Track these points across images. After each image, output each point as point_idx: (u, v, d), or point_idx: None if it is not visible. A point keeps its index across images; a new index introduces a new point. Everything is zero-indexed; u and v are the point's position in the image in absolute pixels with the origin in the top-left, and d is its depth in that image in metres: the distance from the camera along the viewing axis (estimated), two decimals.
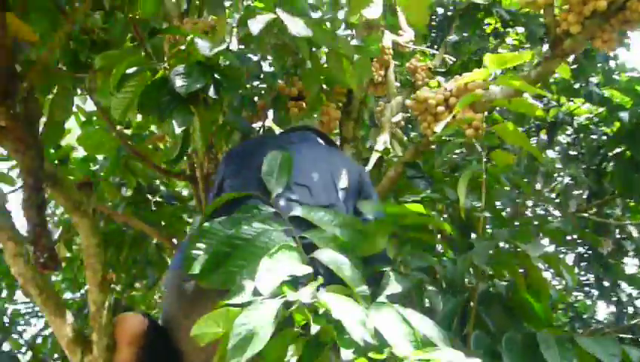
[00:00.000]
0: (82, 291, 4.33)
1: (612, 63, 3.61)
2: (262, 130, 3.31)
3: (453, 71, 3.78)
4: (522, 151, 3.61)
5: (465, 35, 3.84)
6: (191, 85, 1.66)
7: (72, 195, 1.42)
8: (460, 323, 1.98)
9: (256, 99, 2.95)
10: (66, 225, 3.56)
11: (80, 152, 3.72)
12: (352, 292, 1.43)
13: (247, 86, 2.89)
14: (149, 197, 3.82)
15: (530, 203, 4.85)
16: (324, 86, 3.01)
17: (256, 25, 1.70)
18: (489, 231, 2.39)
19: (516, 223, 2.35)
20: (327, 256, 1.52)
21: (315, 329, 1.24)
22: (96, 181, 3.40)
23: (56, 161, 3.63)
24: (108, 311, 1.48)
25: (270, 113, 2.97)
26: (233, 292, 1.40)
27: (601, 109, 3.55)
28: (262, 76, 2.88)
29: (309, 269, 1.46)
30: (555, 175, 3.86)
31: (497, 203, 2.54)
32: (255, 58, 2.68)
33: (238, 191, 1.80)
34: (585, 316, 5.97)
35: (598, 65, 3.66)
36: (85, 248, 1.48)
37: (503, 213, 3.03)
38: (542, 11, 2.05)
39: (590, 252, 4.68)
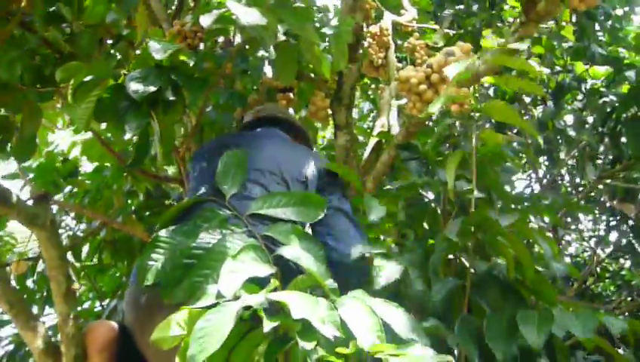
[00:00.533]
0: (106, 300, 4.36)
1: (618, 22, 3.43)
2: None
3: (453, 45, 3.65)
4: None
5: (461, 7, 3.70)
6: (145, 89, 1.63)
7: (25, 209, 1.41)
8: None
9: None
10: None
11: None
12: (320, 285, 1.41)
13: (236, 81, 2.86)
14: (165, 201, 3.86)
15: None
16: (312, 75, 2.96)
17: (207, 19, 1.66)
18: None
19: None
20: (291, 252, 1.50)
21: (269, 326, 1.20)
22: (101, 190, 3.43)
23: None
24: (74, 322, 1.48)
25: None
26: (197, 297, 1.38)
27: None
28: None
29: (272, 269, 1.44)
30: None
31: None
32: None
33: (197, 193, 1.78)
34: (633, 282, 5.79)
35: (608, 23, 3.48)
36: (47, 261, 1.48)
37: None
38: None
39: (618, 218, 4.49)
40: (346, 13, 2.88)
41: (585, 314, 1.49)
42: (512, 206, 2.37)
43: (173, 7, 3.40)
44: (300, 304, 1.23)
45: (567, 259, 6.22)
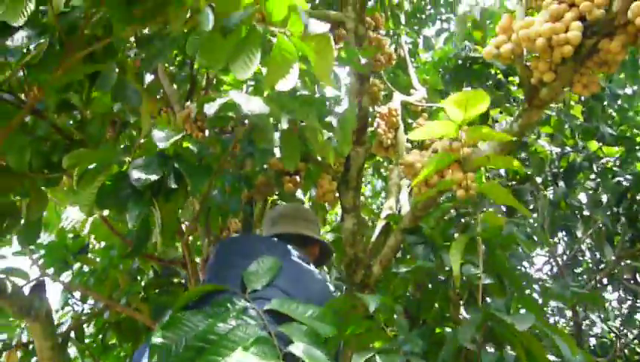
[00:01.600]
0: None
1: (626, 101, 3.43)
2: (266, 205, 3.28)
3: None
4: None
5: (469, 88, 3.75)
6: (147, 177, 1.64)
7: (20, 301, 1.39)
8: None
9: None
10: None
11: None
12: None
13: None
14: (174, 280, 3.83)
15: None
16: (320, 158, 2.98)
17: (211, 108, 1.69)
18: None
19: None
20: (303, 349, 1.47)
21: None
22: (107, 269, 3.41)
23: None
24: None
25: None
26: None
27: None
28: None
29: None
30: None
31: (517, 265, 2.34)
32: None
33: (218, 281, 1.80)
34: None
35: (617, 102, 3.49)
36: (38, 351, 1.44)
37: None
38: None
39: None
40: (354, 97, 2.93)
41: None
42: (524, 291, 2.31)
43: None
44: None
45: (592, 340, 5.98)
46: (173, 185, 1.68)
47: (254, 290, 1.80)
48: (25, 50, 1.65)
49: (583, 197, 4.15)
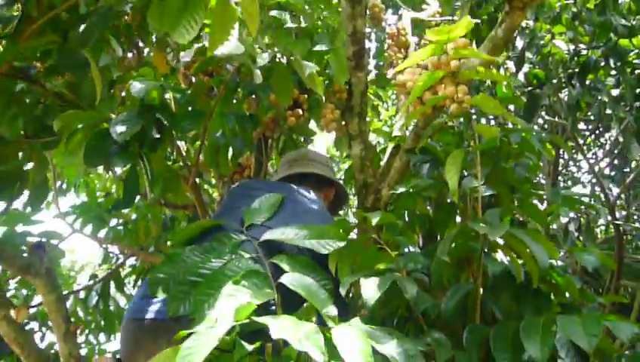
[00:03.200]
0: None
1: None
2: (279, 141, 3.30)
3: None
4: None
5: None
6: (129, 131, 1.68)
7: (18, 260, 1.48)
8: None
9: None
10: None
11: None
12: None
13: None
14: None
15: None
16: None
17: (186, 55, 1.69)
18: None
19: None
20: (293, 279, 1.52)
21: (241, 351, 1.22)
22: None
23: None
24: (75, 360, 1.54)
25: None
26: (197, 320, 1.43)
27: None
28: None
29: (272, 294, 1.47)
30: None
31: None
32: None
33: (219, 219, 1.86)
34: None
35: None
36: (45, 305, 1.55)
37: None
38: None
39: None
40: (348, 21, 2.85)
41: (588, 320, 1.39)
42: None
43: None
44: (279, 325, 1.24)
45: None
46: (156, 135, 1.71)
47: (251, 226, 1.84)
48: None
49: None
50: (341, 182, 2.87)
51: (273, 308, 1.55)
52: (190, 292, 1.48)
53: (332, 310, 1.46)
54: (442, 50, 1.88)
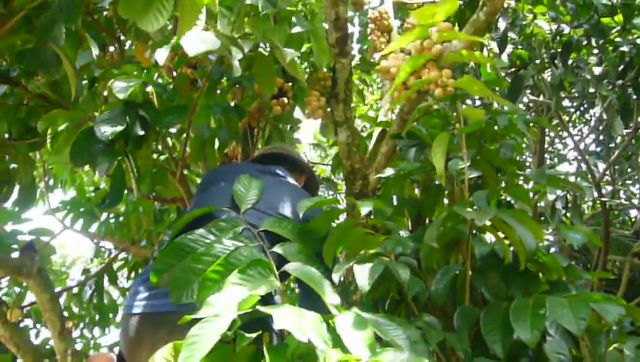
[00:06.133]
0: None
1: None
2: (265, 130, 3.30)
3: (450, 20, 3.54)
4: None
5: None
6: (113, 130, 1.68)
7: (9, 262, 1.49)
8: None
9: None
10: None
11: None
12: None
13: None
14: None
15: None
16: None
17: (161, 53, 1.69)
18: None
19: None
20: (296, 268, 1.53)
21: (244, 341, 1.24)
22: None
23: None
24: (72, 357, 1.55)
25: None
26: (201, 307, 1.43)
27: None
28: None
29: (276, 284, 1.47)
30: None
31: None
32: None
33: (206, 205, 1.86)
34: None
35: None
36: (40, 304, 1.55)
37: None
38: None
39: None
40: (330, 8, 2.84)
41: (576, 302, 1.42)
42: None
43: None
44: (283, 315, 1.25)
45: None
46: (140, 132, 1.71)
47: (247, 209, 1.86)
48: None
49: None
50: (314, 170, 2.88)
51: (276, 296, 1.58)
52: (193, 279, 1.49)
53: (335, 298, 1.47)
54: (426, 35, 1.88)
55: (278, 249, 1.68)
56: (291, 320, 1.23)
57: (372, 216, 2.07)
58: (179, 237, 1.61)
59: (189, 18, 1.45)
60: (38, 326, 3.94)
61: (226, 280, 1.45)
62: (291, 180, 2.21)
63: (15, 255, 2.09)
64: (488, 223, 1.79)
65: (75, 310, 3.94)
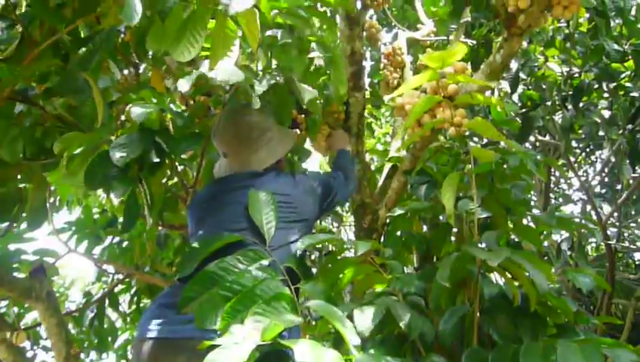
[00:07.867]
0: None
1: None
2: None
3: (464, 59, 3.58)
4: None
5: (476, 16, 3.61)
6: (129, 155, 1.69)
7: (18, 285, 1.48)
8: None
9: None
10: None
11: None
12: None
13: None
14: None
15: None
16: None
17: (185, 84, 1.71)
18: None
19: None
20: (320, 306, 1.52)
21: None
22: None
23: None
24: None
25: None
26: (223, 334, 1.43)
27: None
28: None
29: (298, 319, 1.49)
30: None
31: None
32: None
33: (209, 237, 1.85)
34: None
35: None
36: (46, 329, 1.54)
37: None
38: None
39: None
40: (346, 43, 2.89)
41: (588, 347, 1.40)
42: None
43: None
44: (304, 349, 1.24)
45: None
46: (156, 159, 1.73)
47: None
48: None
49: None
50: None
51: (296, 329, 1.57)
52: (220, 306, 1.49)
53: (356, 339, 1.46)
54: (439, 75, 1.90)
55: (304, 286, 1.70)
56: (312, 355, 1.22)
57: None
58: (209, 264, 1.62)
59: (221, 49, 1.48)
60: (35, 348, 3.90)
61: (249, 311, 1.44)
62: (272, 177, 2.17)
63: (17, 274, 2.11)
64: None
65: (74, 332, 3.89)
